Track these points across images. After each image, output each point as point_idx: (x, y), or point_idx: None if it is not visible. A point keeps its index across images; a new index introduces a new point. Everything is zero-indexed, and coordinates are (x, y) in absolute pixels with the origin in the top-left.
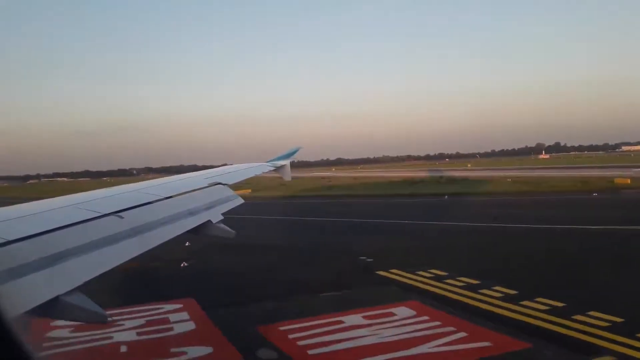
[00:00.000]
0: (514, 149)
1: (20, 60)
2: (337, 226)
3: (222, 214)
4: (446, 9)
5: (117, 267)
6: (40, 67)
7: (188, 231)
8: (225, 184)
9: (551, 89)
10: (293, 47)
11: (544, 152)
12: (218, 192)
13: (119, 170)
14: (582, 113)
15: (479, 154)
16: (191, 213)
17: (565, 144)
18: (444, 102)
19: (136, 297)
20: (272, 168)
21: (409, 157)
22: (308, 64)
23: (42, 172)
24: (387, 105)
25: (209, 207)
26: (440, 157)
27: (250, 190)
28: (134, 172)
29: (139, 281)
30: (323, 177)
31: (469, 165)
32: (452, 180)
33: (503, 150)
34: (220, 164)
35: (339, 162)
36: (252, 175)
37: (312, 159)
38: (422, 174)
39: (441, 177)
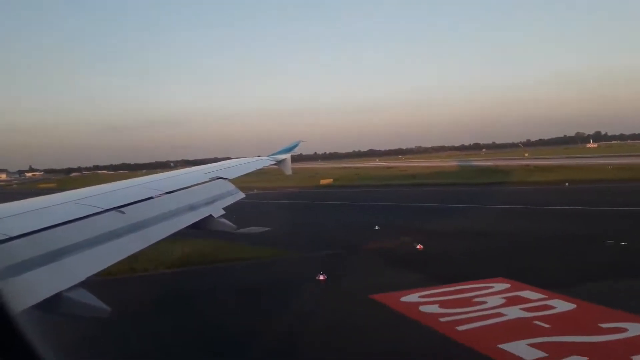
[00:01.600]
0: (551, 139)
1: (58, 57)
2: (512, 213)
3: (223, 208)
4: None
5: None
6: (76, 63)
7: (189, 226)
8: (226, 179)
9: (586, 77)
10: (321, 38)
11: (591, 140)
12: (219, 186)
13: (156, 162)
14: (619, 101)
15: (521, 143)
16: (192, 208)
17: (607, 132)
18: (475, 92)
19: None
20: (273, 162)
21: (443, 148)
22: (336, 57)
23: (83, 166)
24: (415, 96)
25: (209, 201)
26: (476, 147)
27: (332, 180)
28: (172, 164)
29: (406, 261)
30: (390, 167)
31: (526, 154)
32: (543, 169)
33: (541, 139)
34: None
35: (371, 154)
36: (253, 169)
37: (342, 150)
38: (487, 163)
39: (527, 165)
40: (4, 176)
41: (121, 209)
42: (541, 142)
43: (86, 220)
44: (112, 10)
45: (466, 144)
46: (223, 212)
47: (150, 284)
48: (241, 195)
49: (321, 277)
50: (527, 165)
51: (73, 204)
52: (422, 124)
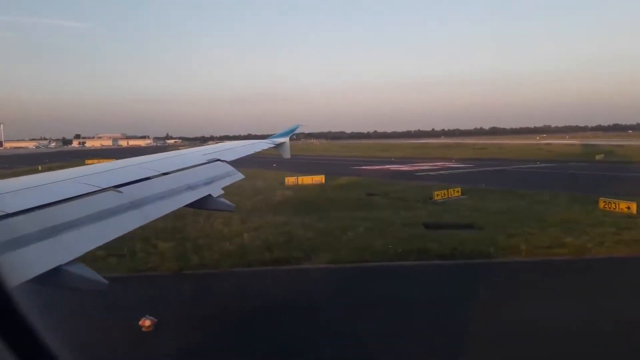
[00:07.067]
0: None
1: (190, 35)
2: None
3: (222, 188)
4: None
5: None
6: (204, 41)
7: (188, 205)
8: (224, 161)
9: None
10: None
11: None
12: (217, 168)
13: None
14: None
15: None
16: (190, 188)
17: None
18: (621, 65)
19: None
20: (272, 145)
21: (578, 128)
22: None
23: (213, 135)
24: (543, 71)
25: (208, 182)
26: (616, 128)
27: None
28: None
29: None
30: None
31: None
32: None
33: None
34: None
35: (494, 132)
36: (251, 152)
37: (463, 127)
38: None
39: None
40: (151, 141)
41: (119, 188)
42: None
43: (84, 198)
44: None
45: (604, 124)
46: (222, 192)
47: None
48: (240, 176)
49: None
50: None
51: (72, 182)
52: (546, 102)
